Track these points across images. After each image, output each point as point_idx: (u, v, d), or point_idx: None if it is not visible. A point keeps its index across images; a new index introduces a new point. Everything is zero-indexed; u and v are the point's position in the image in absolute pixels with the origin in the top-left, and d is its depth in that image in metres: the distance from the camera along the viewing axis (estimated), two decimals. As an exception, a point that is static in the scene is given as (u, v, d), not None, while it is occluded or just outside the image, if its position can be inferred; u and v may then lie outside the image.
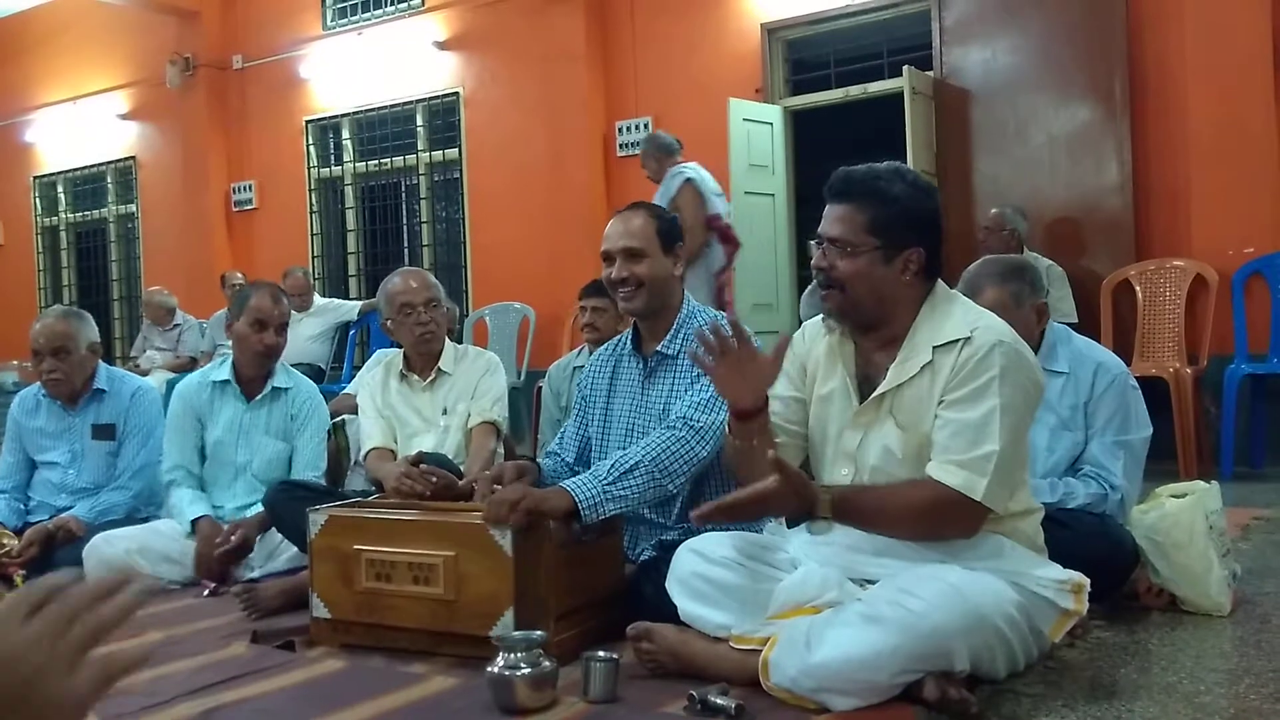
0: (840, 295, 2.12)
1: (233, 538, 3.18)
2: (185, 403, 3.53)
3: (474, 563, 2.32)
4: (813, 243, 2.19)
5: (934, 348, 2.06)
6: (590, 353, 4.22)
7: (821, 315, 2.27)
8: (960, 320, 2.08)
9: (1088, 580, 2.07)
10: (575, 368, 4.35)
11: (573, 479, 2.40)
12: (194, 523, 3.30)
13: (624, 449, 2.61)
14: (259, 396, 3.52)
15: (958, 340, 2.04)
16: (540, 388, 4.64)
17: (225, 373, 3.55)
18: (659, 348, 2.68)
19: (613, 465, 2.40)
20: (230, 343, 3.61)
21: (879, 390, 2.11)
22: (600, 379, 2.83)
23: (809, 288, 3.73)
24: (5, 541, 3.36)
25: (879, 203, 2.10)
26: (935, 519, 2.02)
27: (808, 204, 6.89)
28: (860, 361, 2.19)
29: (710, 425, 2.47)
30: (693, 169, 5.70)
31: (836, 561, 2.12)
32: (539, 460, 2.81)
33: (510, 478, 2.46)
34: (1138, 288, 5.28)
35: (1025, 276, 2.75)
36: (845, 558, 2.11)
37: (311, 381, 3.74)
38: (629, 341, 2.80)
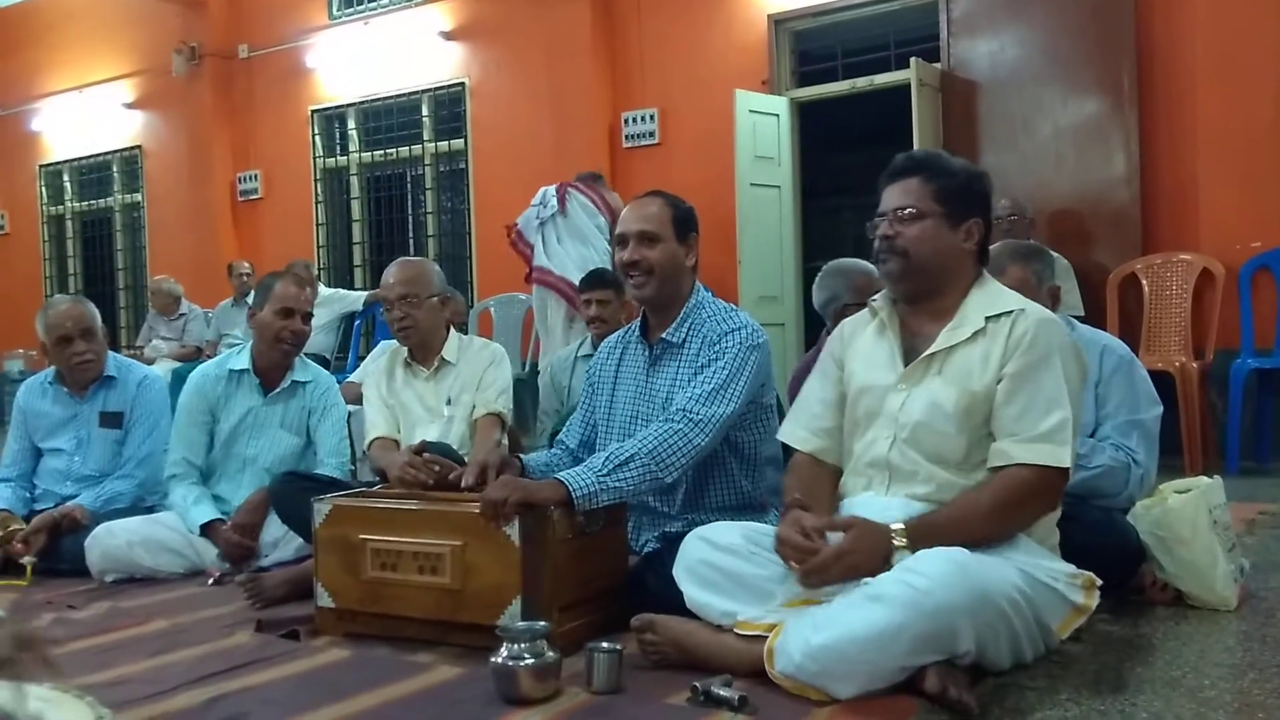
0: (903, 261, 2.20)
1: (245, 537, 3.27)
2: (199, 395, 3.48)
3: (481, 553, 2.32)
4: (871, 224, 2.27)
5: (986, 317, 2.15)
6: (594, 345, 4.22)
7: (869, 299, 2.36)
8: (1011, 297, 2.20)
9: (1099, 580, 2.08)
10: (578, 358, 4.35)
11: (568, 470, 2.40)
12: (204, 527, 3.31)
13: (627, 436, 2.61)
14: (277, 390, 3.49)
15: (1011, 312, 2.14)
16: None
17: (244, 362, 3.50)
18: (664, 335, 2.68)
19: (609, 456, 2.40)
20: (237, 332, 3.59)
21: (929, 351, 2.18)
22: (608, 365, 2.84)
23: (820, 275, 3.73)
24: (12, 526, 3.36)
25: (943, 174, 2.22)
26: (1020, 505, 2.08)
27: (814, 196, 6.89)
28: (907, 335, 2.26)
29: (710, 417, 2.47)
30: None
31: None
32: (524, 456, 2.80)
33: (491, 470, 2.46)
34: (1144, 281, 5.27)
35: (1044, 258, 2.87)
36: None
37: (329, 373, 3.72)
38: (637, 329, 2.81)
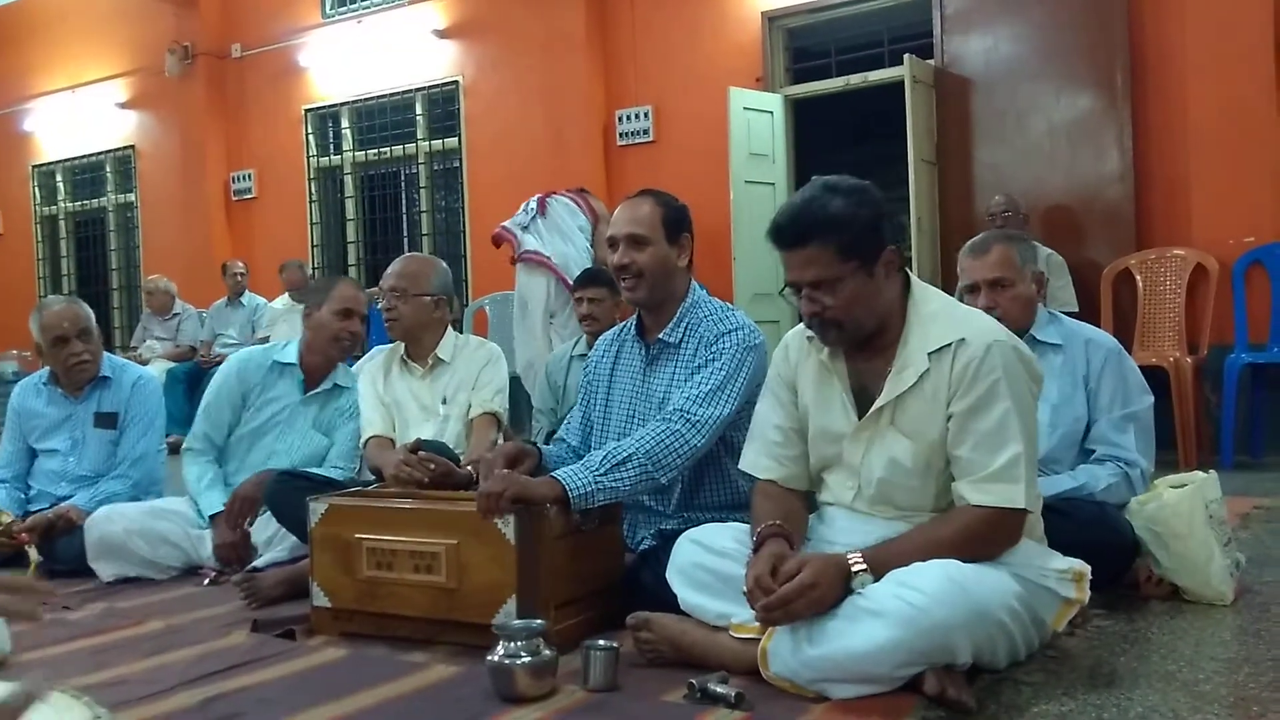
0: (837, 330, 2.10)
1: (246, 521, 3.25)
2: (239, 378, 3.47)
3: (476, 551, 2.32)
4: (786, 294, 2.14)
5: (929, 354, 2.06)
6: (588, 344, 4.21)
7: (807, 335, 2.24)
8: (949, 322, 2.08)
9: (1089, 568, 2.07)
10: (573, 357, 4.35)
11: (565, 468, 2.39)
12: (211, 517, 3.30)
13: (623, 435, 2.61)
14: (317, 390, 3.49)
15: (951, 344, 2.04)
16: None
17: (291, 356, 3.49)
18: (661, 335, 2.67)
19: (606, 455, 2.40)
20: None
21: (878, 403, 2.10)
22: (603, 364, 2.83)
23: None
24: (4, 519, 3.35)
25: (837, 228, 2.04)
26: (980, 543, 1.99)
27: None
28: (853, 373, 2.18)
29: (707, 418, 2.47)
30: None
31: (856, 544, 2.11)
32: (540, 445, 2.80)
33: (506, 459, 2.45)
34: (1138, 277, 5.28)
35: (1028, 242, 2.87)
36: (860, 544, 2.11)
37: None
38: (633, 327, 2.80)
